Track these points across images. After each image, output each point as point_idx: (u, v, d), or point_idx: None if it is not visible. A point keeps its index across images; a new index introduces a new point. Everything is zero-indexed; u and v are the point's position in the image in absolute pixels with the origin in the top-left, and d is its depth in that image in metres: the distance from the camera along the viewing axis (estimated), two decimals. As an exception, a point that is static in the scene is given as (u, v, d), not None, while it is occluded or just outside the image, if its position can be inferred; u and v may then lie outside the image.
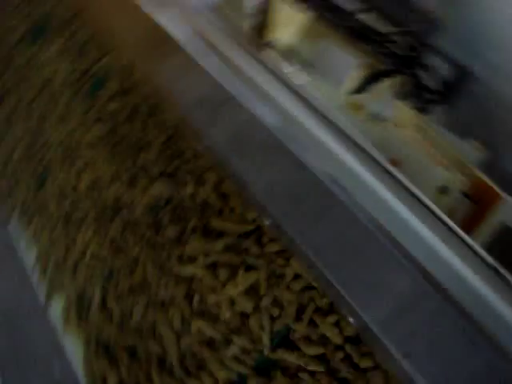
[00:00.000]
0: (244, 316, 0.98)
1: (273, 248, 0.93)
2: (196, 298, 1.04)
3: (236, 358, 0.98)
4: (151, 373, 1.08)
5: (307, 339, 0.90)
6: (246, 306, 0.97)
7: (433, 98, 3.04)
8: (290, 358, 0.90)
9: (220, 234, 1.00)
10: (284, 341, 0.92)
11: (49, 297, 1.28)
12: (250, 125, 0.86)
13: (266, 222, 0.84)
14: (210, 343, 1.01)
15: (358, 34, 2.93)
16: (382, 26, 3.01)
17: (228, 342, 0.99)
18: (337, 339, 0.87)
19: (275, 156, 0.83)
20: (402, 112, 2.67)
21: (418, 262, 0.72)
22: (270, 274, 0.93)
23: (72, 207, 1.30)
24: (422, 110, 2.96)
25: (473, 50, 3.01)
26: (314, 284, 0.88)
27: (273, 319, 0.93)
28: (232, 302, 0.99)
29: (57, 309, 1.25)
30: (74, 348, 1.18)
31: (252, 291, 0.95)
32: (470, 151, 2.79)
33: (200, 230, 1.04)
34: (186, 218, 1.05)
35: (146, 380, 1.08)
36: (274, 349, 0.94)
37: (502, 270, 0.87)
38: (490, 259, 0.91)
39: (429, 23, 2.84)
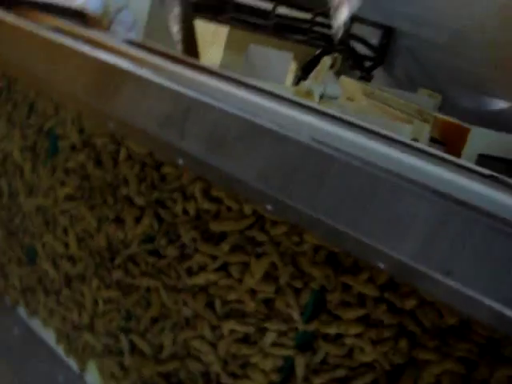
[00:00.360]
0: (269, 301, 0.97)
1: (279, 230, 0.93)
2: (217, 303, 1.02)
3: (275, 344, 0.97)
4: None
5: (344, 304, 0.90)
6: (268, 290, 0.96)
7: (370, 64, 3.10)
8: (329, 329, 0.90)
9: (222, 236, 1.00)
10: (316, 311, 0.92)
11: (82, 365, 1.27)
12: (220, 123, 0.86)
13: (268, 208, 0.85)
14: (245, 339, 1.00)
15: (281, 29, 2.97)
16: (302, 14, 3.06)
17: (262, 331, 0.97)
18: (374, 292, 0.87)
19: (253, 142, 0.83)
20: (349, 85, 2.71)
21: (427, 187, 0.73)
22: (283, 254, 0.93)
23: (70, 264, 1.28)
24: (365, 78, 3.02)
25: (390, 10, 3.07)
26: (335, 249, 0.88)
27: (297, 293, 0.93)
28: (253, 292, 0.97)
29: (92, 372, 1.24)
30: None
31: (268, 276, 0.95)
32: (425, 100, 2.85)
33: (201, 239, 1.04)
34: (183, 233, 1.06)
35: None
36: (307, 321, 0.93)
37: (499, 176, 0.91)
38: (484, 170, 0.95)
39: (344, -4, 2.90)
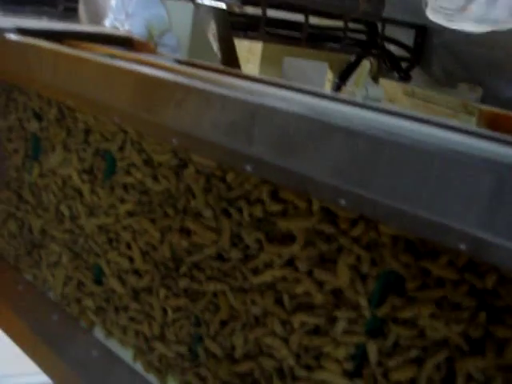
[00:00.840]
0: (336, 291, 0.98)
1: (355, 227, 0.94)
2: (285, 298, 1.03)
3: (347, 332, 0.97)
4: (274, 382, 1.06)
5: (422, 287, 0.90)
6: (340, 282, 0.97)
7: (407, 65, 3.10)
8: (403, 314, 0.90)
9: (288, 236, 1.02)
10: (383, 296, 0.93)
11: (162, 379, 1.28)
12: (289, 125, 0.88)
13: (342, 203, 0.85)
14: (316, 330, 1.00)
15: (315, 39, 3.00)
16: (334, 22, 3.08)
17: (332, 320, 0.98)
18: (454, 275, 0.87)
19: (325, 140, 0.84)
20: (390, 87, 2.72)
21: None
22: (363, 247, 0.94)
23: (136, 279, 1.31)
24: (403, 79, 3.02)
25: (420, 8, 3.07)
26: (413, 236, 0.88)
27: (364, 280, 0.93)
28: (320, 285, 0.98)
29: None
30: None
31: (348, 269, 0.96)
32: (466, 94, 2.83)
33: (265, 239, 1.05)
34: (246, 236, 1.07)
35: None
36: (376, 307, 0.93)
37: None
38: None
39: (375, 0, 2.91)
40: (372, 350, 0.94)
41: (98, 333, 1.42)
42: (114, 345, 1.38)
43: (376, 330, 0.95)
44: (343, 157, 0.83)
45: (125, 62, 1.21)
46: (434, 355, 0.89)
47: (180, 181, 1.20)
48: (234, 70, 1.33)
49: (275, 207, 1.03)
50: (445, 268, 0.88)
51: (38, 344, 1.47)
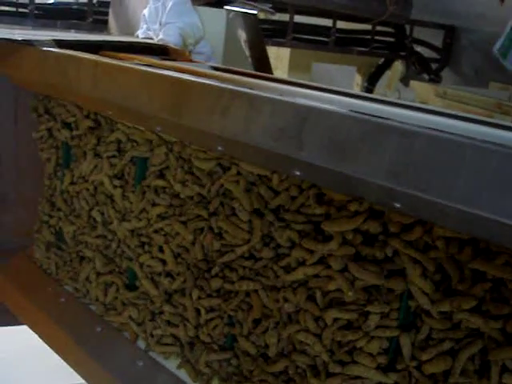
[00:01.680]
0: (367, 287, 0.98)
1: (411, 233, 0.92)
2: (318, 294, 1.03)
3: (379, 327, 0.97)
4: (308, 379, 1.06)
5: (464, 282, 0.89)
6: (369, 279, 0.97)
7: (437, 66, 3.07)
8: (444, 307, 0.89)
9: (327, 236, 1.01)
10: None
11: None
12: (339, 127, 0.86)
13: (397, 206, 0.84)
14: (348, 326, 1.01)
15: (343, 43, 2.99)
16: (361, 25, 3.07)
17: (365, 315, 0.98)
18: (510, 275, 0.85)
19: (377, 141, 0.83)
20: (421, 89, 2.69)
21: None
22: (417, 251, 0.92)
23: (169, 280, 1.31)
24: (434, 80, 2.99)
25: (449, 9, 3.04)
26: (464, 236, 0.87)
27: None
28: (352, 283, 0.98)
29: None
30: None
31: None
32: (498, 93, 2.80)
33: (299, 237, 1.05)
34: (277, 235, 1.08)
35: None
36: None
37: None
38: None
39: (402, 2, 2.90)
40: (405, 343, 0.94)
41: (141, 343, 1.42)
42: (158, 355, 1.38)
43: (409, 324, 0.95)
44: (398, 158, 0.81)
45: (165, 70, 1.20)
46: (468, 347, 0.89)
47: (218, 184, 1.20)
48: (273, 76, 1.32)
49: (319, 210, 1.02)
50: (501, 268, 0.86)
51: (81, 355, 1.47)
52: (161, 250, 1.34)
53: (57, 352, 1.55)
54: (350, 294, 0.97)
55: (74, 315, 1.58)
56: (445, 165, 0.77)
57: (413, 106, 1.12)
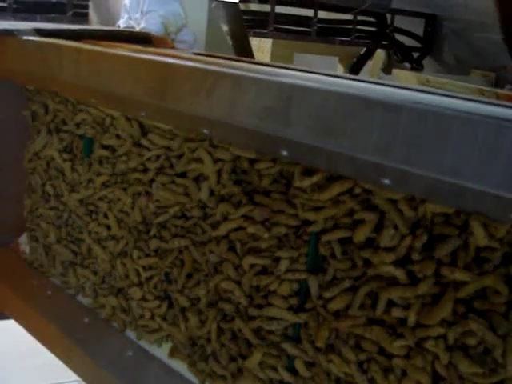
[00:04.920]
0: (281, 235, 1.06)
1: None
2: (238, 245, 1.13)
3: (290, 270, 1.05)
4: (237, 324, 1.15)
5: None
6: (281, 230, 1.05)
7: (419, 54, 3.08)
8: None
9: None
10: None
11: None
12: (327, 104, 0.86)
13: (386, 182, 0.84)
14: (263, 271, 1.10)
15: (324, 33, 2.99)
16: (342, 15, 3.07)
17: (276, 260, 1.06)
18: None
19: (365, 116, 0.83)
20: (404, 77, 2.70)
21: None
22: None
23: (113, 243, 1.43)
24: (416, 69, 3.00)
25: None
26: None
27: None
28: (268, 228, 1.06)
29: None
30: None
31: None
32: (480, 80, 2.81)
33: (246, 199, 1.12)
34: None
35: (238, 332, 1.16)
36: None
37: None
38: None
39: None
40: (313, 284, 1.02)
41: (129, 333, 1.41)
42: (147, 344, 1.37)
43: (318, 269, 1.02)
44: (385, 133, 0.81)
45: (149, 55, 1.19)
46: (367, 283, 0.95)
47: None
48: (256, 60, 1.32)
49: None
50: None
51: (69, 346, 1.46)
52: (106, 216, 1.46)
53: (44, 344, 1.54)
54: (266, 235, 1.06)
55: (62, 307, 1.56)
56: (432, 138, 0.78)
57: (397, 85, 1.11)
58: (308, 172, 1.00)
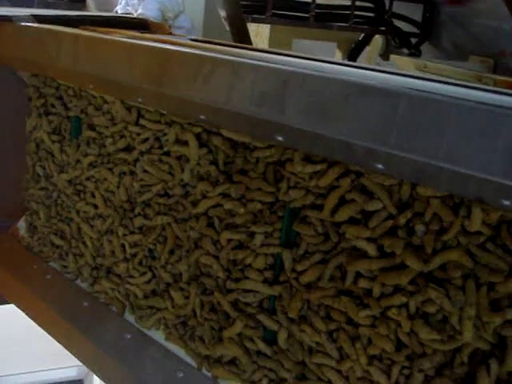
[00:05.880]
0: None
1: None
2: (216, 221, 1.19)
3: (264, 245, 1.12)
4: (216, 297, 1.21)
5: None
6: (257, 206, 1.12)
7: (417, 40, 3.07)
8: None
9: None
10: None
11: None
12: (323, 89, 0.87)
13: (379, 167, 0.85)
14: (239, 246, 1.16)
15: (323, 19, 2.98)
16: (339, 1, 3.06)
17: (252, 235, 1.13)
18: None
19: (361, 102, 0.83)
20: (401, 63, 2.70)
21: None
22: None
23: (100, 222, 1.49)
24: (414, 54, 3.00)
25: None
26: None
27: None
28: (244, 204, 1.13)
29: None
30: None
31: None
32: (478, 66, 2.81)
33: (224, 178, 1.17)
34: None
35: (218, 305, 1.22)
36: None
37: None
38: None
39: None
40: (287, 258, 1.08)
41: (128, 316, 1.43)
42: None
43: (291, 243, 1.09)
44: (382, 119, 0.82)
45: (146, 41, 1.20)
46: (336, 256, 1.01)
47: None
48: (254, 47, 1.32)
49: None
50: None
51: (69, 330, 1.47)
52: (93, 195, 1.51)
53: (44, 328, 1.55)
54: (241, 210, 1.13)
55: (61, 291, 1.58)
56: (428, 124, 0.78)
57: (394, 72, 1.12)
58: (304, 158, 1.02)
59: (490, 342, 0.88)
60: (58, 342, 1.51)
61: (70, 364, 3.80)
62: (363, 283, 0.97)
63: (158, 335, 1.37)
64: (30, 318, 1.61)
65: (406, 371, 0.95)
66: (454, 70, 2.45)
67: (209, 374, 1.24)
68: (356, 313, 0.98)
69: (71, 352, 1.48)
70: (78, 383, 4.10)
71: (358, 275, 0.99)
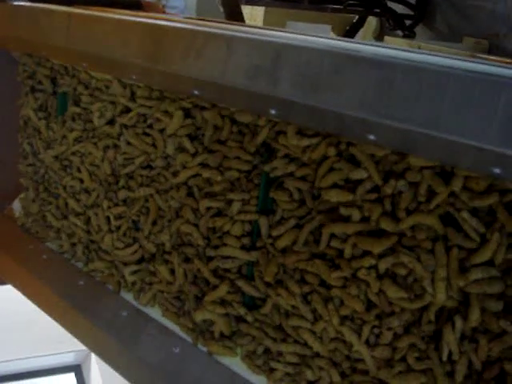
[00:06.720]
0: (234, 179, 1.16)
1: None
2: (195, 191, 1.23)
3: (241, 212, 1.15)
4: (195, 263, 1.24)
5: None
6: (235, 174, 1.15)
7: (411, 22, 3.07)
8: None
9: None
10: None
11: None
12: (314, 61, 0.87)
13: (371, 138, 0.86)
14: (218, 214, 1.20)
15: (316, 1, 2.97)
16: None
17: (229, 203, 1.17)
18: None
19: (351, 72, 0.84)
20: (395, 44, 2.70)
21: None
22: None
23: (86, 196, 1.54)
24: (408, 36, 2.99)
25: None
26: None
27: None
28: (222, 173, 1.16)
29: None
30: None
31: None
32: (472, 47, 2.81)
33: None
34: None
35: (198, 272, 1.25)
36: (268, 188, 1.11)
37: None
38: None
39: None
40: (263, 224, 1.11)
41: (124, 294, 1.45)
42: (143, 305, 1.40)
43: (267, 210, 1.12)
44: (373, 89, 0.82)
45: (138, 17, 1.20)
46: (310, 221, 1.04)
47: None
48: (246, 24, 1.32)
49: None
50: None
51: (65, 309, 1.48)
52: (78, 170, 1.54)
53: (41, 307, 1.56)
54: (219, 178, 1.16)
55: (57, 271, 1.59)
56: (420, 94, 0.79)
57: (386, 46, 1.13)
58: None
59: (456, 299, 0.91)
60: (55, 320, 1.52)
61: (67, 349, 3.82)
62: (335, 243, 1.00)
63: (155, 312, 1.38)
64: (26, 297, 1.61)
65: (376, 330, 0.99)
66: (448, 51, 2.46)
67: (204, 349, 1.26)
68: (328, 275, 1.01)
69: (68, 330, 1.49)
70: (76, 368, 4.11)
71: (332, 237, 1.02)
